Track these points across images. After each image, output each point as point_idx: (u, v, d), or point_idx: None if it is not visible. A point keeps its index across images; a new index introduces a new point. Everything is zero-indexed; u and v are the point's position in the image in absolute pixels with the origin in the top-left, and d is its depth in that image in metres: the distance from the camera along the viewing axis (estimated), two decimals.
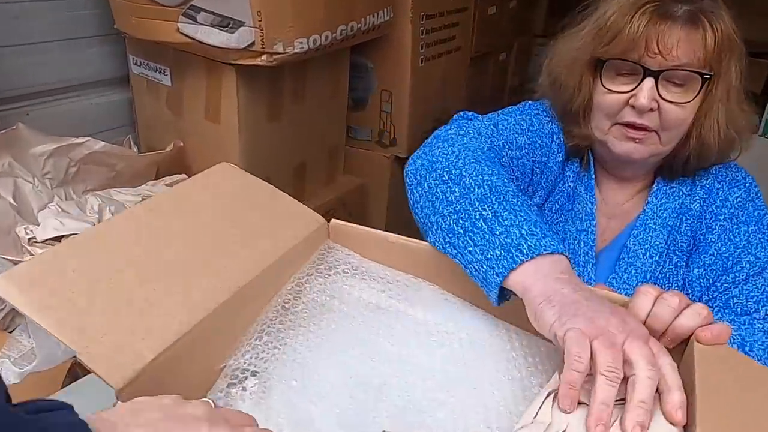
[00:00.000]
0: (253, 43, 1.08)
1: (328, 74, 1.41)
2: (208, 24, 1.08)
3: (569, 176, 0.82)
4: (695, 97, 0.70)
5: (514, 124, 0.78)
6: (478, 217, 0.57)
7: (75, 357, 0.45)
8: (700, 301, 0.53)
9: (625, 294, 0.74)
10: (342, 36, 1.22)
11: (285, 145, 1.36)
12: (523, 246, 0.52)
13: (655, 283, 0.75)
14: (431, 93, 1.67)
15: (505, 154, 0.73)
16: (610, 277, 0.78)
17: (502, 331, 0.61)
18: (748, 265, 0.71)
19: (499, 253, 0.53)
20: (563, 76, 0.79)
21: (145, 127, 1.40)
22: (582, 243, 0.79)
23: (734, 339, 0.63)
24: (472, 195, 0.59)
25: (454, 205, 0.59)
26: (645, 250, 0.77)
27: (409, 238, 0.64)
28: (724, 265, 0.72)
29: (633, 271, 0.77)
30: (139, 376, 0.43)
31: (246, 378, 0.52)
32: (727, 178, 0.78)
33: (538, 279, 0.50)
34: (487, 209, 0.57)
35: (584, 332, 0.44)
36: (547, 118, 0.82)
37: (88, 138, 1.15)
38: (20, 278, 0.47)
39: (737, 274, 0.71)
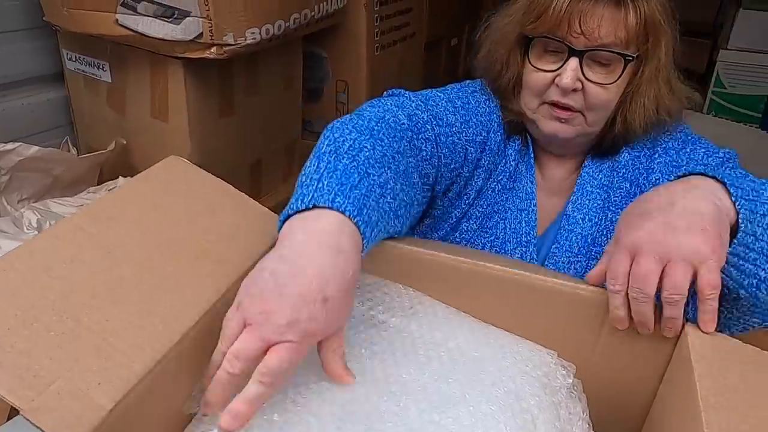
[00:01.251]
0: (201, 35, 1.00)
1: (281, 65, 1.34)
2: (150, 15, 1.00)
3: (511, 155, 0.80)
4: (618, 78, 0.70)
5: (446, 101, 0.76)
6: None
7: None
8: None
9: (567, 258, 0.77)
10: (295, 24, 1.16)
11: (239, 142, 1.28)
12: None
13: (594, 244, 0.77)
14: (388, 82, 1.63)
15: (429, 128, 0.70)
16: (554, 246, 0.78)
17: (491, 338, 0.58)
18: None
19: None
20: (493, 51, 0.78)
21: (84, 127, 1.30)
22: (523, 223, 0.79)
23: None
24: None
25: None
26: (583, 214, 0.77)
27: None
28: None
29: (573, 238, 0.77)
30: (96, 430, 0.37)
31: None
32: (677, 137, 0.79)
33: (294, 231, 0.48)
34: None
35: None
36: (484, 97, 0.80)
37: (19, 143, 1.05)
38: None
39: None
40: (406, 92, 0.76)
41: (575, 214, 0.78)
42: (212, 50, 1.02)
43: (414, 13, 1.71)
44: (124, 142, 1.22)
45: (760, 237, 0.53)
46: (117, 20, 1.02)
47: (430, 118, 0.71)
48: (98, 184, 1.24)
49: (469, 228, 0.81)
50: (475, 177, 0.79)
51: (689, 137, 0.79)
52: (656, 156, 0.77)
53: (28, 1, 1.18)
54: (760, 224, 0.53)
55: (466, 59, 2.62)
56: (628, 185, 0.77)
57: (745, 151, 1.19)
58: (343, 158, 0.54)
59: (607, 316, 0.54)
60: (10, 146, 1.04)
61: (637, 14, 0.68)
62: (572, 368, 0.57)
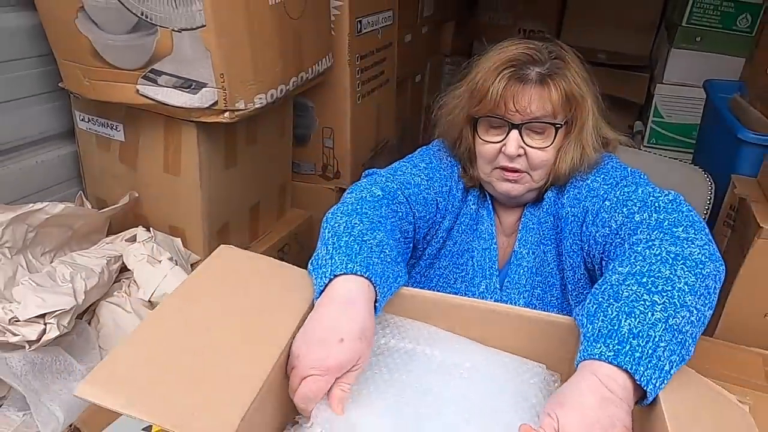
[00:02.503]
0: (216, 102, 1.13)
1: (276, 117, 1.48)
2: (169, 86, 1.12)
3: (471, 200, 0.97)
4: (552, 142, 0.88)
5: (411, 167, 0.93)
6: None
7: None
8: (602, 261, 0.78)
9: (518, 287, 0.92)
10: (294, 86, 1.30)
11: (241, 189, 1.41)
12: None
13: (537, 273, 0.93)
14: (368, 125, 1.79)
15: (400, 193, 0.87)
16: (507, 279, 0.94)
17: (496, 358, 0.74)
18: (622, 218, 0.80)
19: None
20: (448, 127, 0.96)
21: (94, 181, 1.40)
22: (487, 259, 0.95)
23: (637, 258, 0.69)
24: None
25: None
26: (527, 249, 0.94)
27: None
28: (604, 231, 0.82)
29: (521, 270, 0.94)
30: None
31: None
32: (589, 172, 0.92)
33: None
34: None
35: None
36: (446, 154, 0.99)
37: (47, 203, 1.15)
38: (103, 380, 0.54)
39: (619, 227, 0.79)
40: (378, 170, 0.93)
41: (522, 250, 0.95)
42: (225, 115, 1.15)
43: (387, 61, 1.88)
44: (137, 195, 1.32)
45: (639, 345, 0.59)
46: (138, 90, 1.14)
47: (399, 185, 0.88)
48: (107, 234, 1.34)
49: (443, 265, 0.98)
50: (444, 220, 0.96)
51: (599, 168, 0.91)
52: (566, 191, 0.92)
53: (44, 69, 1.28)
54: (628, 344, 0.59)
55: (429, 94, 2.81)
56: (552, 219, 0.93)
57: (680, 181, 1.40)
58: (342, 237, 0.71)
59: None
60: (39, 205, 1.13)
61: (558, 90, 0.86)
62: (558, 375, 0.73)
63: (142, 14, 1.07)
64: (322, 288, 0.66)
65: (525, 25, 3.09)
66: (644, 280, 0.64)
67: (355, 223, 0.73)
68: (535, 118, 0.86)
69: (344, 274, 0.65)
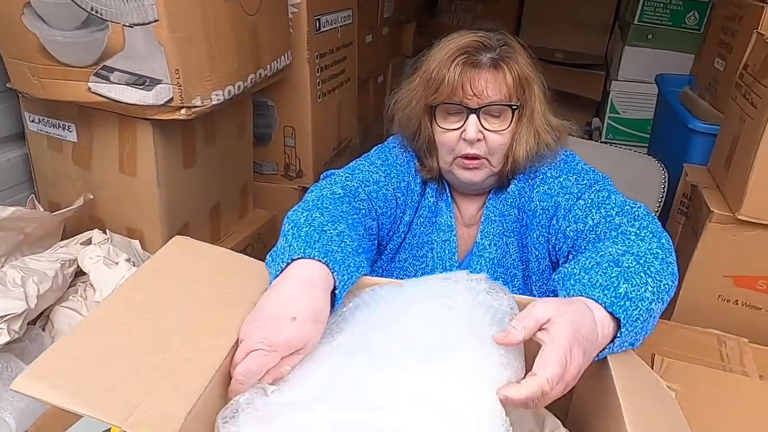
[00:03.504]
0: (171, 99, 1.11)
1: (234, 116, 1.46)
2: (122, 83, 1.10)
3: (430, 193, 0.98)
4: (510, 124, 0.89)
5: (368, 165, 0.93)
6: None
7: None
8: (569, 254, 0.81)
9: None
10: (252, 83, 1.29)
11: (201, 189, 1.39)
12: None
13: (499, 265, 0.94)
14: (330, 124, 1.78)
15: (361, 190, 0.87)
16: (469, 269, 0.92)
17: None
18: (582, 214, 0.85)
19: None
20: (405, 121, 0.96)
21: (46, 184, 1.35)
22: (447, 251, 0.96)
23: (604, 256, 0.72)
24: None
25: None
26: (489, 241, 0.95)
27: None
28: (578, 226, 0.85)
29: (483, 261, 0.95)
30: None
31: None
32: (556, 166, 0.95)
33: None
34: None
35: None
36: (402, 150, 0.98)
37: None
38: (43, 374, 0.51)
39: (584, 221, 0.84)
40: (335, 171, 0.93)
41: (483, 241, 0.95)
42: (182, 112, 1.13)
43: (348, 60, 1.88)
44: (92, 197, 1.29)
45: (630, 304, 0.65)
46: (89, 88, 1.11)
47: (359, 183, 0.88)
48: (62, 238, 1.30)
49: (403, 258, 0.98)
50: (404, 215, 0.96)
51: (567, 165, 0.95)
52: (536, 185, 0.93)
53: None
54: (626, 298, 0.65)
55: (392, 93, 2.82)
56: (516, 212, 0.95)
57: (636, 174, 1.44)
58: (302, 228, 0.71)
59: None
60: None
61: (511, 74, 0.87)
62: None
63: (91, 9, 1.04)
64: (278, 272, 0.65)
65: (484, 26, 3.13)
66: (641, 261, 0.70)
67: (316, 216, 0.73)
68: (491, 101, 0.87)
69: (302, 258, 0.65)
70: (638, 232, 0.76)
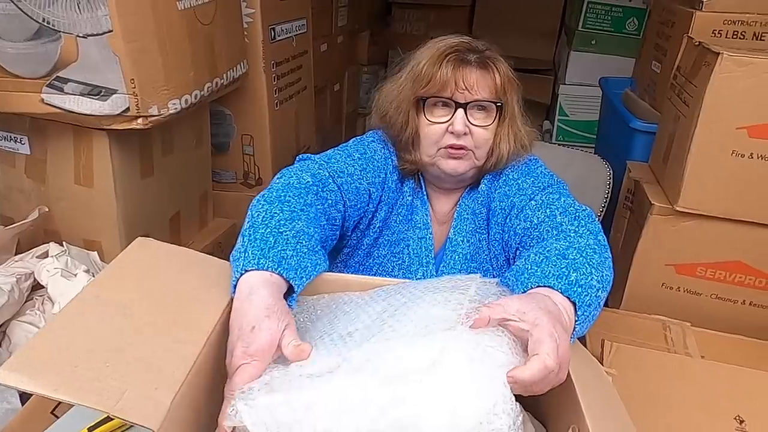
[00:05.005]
0: (127, 109, 1.11)
1: (192, 125, 1.47)
2: (77, 94, 1.09)
3: (407, 191, 1.01)
4: (494, 121, 0.95)
5: (345, 157, 0.95)
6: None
7: None
8: (517, 250, 0.85)
9: (453, 273, 0.94)
10: (208, 92, 1.30)
11: (160, 198, 1.38)
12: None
13: (472, 260, 0.98)
14: (288, 132, 1.80)
15: (332, 181, 0.88)
16: (442, 264, 1.00)
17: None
18: (534, 216, 0.90)
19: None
20: (392, 114, 0.99)
21: None
22: (423, 248, 1.00)
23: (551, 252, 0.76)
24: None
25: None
26: (462, 237, 0.99)
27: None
28: (525, 224, 0.91)
29: (456, 257, 0.99)
30: (166, 417, 0.51)
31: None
32: (518, 169, 1.01)
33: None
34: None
35: None
36: (380, 145, 1.01)
37: None
38: (24, 365, 0.52)
39: (532, 222, 0.90)
40: (312, 156, 0.95)
41: (456, 237, 1.00)
42: (138, 121, 1.14)
43: (304, 68, 1.90)
44: (47, 210, 1.27)
45: (581, 290, 0.69)
46: (42, 99, 1.10)
47: (331, 174, 0.89)
48: (16, 253, 1.27)
49: (381, 254, 1.01)
50: (379, 211, 0.99)
51: (527, 168, 1.01)
52: (498, 185, 0.99)
53: None
54: (577, 284, 0.69)
55: (348, 102, 2.86)
56: (485, 210, 1.00)
57: (583, 172, 1.51)
58: (259, 229, 0.71)
59: None
60: None
61: (499, 74, 0.94)
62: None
63: (43, 20, 1.04)
64: (235, 283, 0.67)
65: (437, 34, 3.20)
66: (583, 254, 0.74)
67: (275, 213, 0.74)
68: (480, 98, 0.93)
69: (255, 269, 0.66)
70: (576, 229, 0.82)
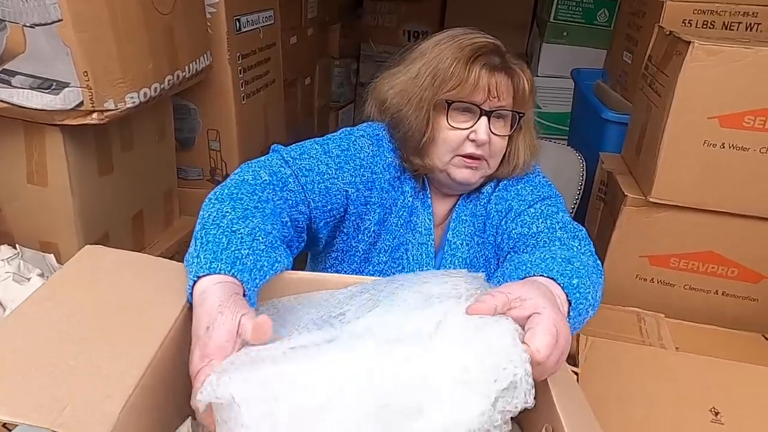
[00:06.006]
0: (81, 103, 1.06)
1: (153, 120, 1.41)
2: (26, 87, 1.03)
3: (408, 191, 0.94)
4: (512, 130, 0.91)
5: (321, 153, 0.87)
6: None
7: None
8: (508, 254, 0.83)
9: None
10: (169, 85, 1.24)
11: (120, 197, 1.33)
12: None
13: (470, 263, 0.95)
14: (256, 126, 1.75)
15: (293, 180, 0.81)
16: (441, 267, 0.95)
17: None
18: (535, 227, 0.88)
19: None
20: (409, 114, 0.89)
21: None
22: (424, 254, 0.94)
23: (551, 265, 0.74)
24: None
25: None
26: (461, 240, 0.95)
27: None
28: (522, 230, 0.89)
29: (455, 261, 0.95)
30: (115, 427, 0.47)
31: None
32: (530, 182, 0.97)
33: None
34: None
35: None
36: (368, 141, 0.92)
37: None
38: None
39: (530, 230, 0.88)
40: (282, 148, 0.87)
41: (455, 239, 0.95)
42: (93, 116, 1.08)
43: (272, 61, 1.85)
44: None
45: (579, 296, 0.69)
46: None
47: (294, 171, 0.82)
48: None
49: (380, 260, 0.95)
50: (370, 213, 0.92)
51: (527, 175, 0.97)
52: (497, 189, 0.96)
53: None
54: (577, 290, 0.69)
55: (320, 96, 2.82)
56: (484, 212, 0.96)
57: (556, 164, 1.50)
58: (210, 230, 0.66)
59: None
60: None
61: (522, 81, 0.89)
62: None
63: None
64: (190, 291, 0.63)
65: (409, 27, 3.18)
66: (585, 270, 0.73)
67: (227, 212, 0.69)
68: (505, 106, 0.88)
69: (208, 274, 0.62)
70: (579, 247, 0.80)
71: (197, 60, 1.36)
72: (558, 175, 1.45)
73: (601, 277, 0.78)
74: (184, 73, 1.30)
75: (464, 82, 0.86)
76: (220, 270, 0.62)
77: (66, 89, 1.04)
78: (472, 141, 0.88)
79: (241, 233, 0.66)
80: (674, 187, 1.21)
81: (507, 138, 0.91)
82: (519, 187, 0.95)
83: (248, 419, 0.48)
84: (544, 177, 1.00)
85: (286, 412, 0.48)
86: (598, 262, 0.80)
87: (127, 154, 1.33)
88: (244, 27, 1.61)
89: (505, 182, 0.97)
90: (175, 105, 1.54)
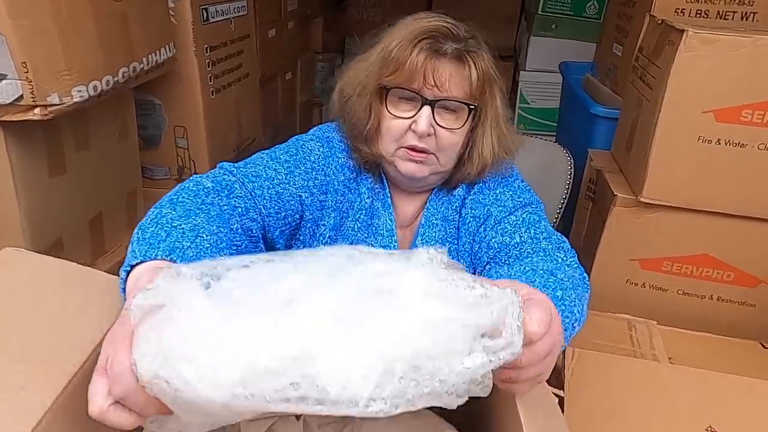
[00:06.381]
0: (21, 97, 0.96)
1: (113, 117, 1.32)
2: None
3: (365, 192, 0.88)
4: (464, 124, 0.82)
5: (268, 160, 0.82)
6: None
7: None
8: (488, 265, 0.75)
9: None
10: (125, 78, 1.15)
11: (75, 199, 1.23)
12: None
13: None
14: (227, 123, 1.66)
15: (239, 187, 0.74)
16: None
17: None
18: (516, 236, 0.81)
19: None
20: (353, 100, 0.85)
21: None
22: None
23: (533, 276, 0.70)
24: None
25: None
26: (431, 245, 0.88)
27: None
28: (504, 239, 0.82)
29: None
30: None
31: None
32: (496, 177, 0.90)
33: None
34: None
35: None
36: (319, 144, 0.87)
37: None
38: None
39: (511, 240, 0.81)
40: (228, 163, 0.79)
41: (423, 245, 0.86)
42: (36, 111, 0.99)
43: (246, 53, 1.76)
44: None
45: (564, 308, 0.64)
46: None
47: (240, 178, 0.75)
48: None
49: None
50: (326, 217, 0.86)
51: (505, 179, 0.90)
52: (474, 192, 0.88)
53: None
54: (562, 302, 0.64)
55: (302, 91, 2.73)
56: (457, 216, 0.89)
57: (543, 161, 1.42)
58: (149, 227, 0.59)
59: None
60: None
61: (477, 70, 0.80)
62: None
63: None
64: (123, 285, 0.54)
65: (394, 21, 3.09)
66: (570, 282, 0.67)
67: (166, 213, 0.61)
68: (451, 97, 0.80)
69: (142, 262, 0.53)
70: (565, 258, 0.74)
71: (158, 51, 1.27)
72: (545, 172, 1.38)
73: (587, 291, 0.71)
74: (142, 66, 1.21)
75: (402, 67, 0.79)
76: (156, 256, 0.53)
77: (3, 82, 0.95)
78: (415, 132, 0.80)
79: (182, 228, 0.58)
80: (667, 186, 1.13)
81: (461, 133, 0.83)
82: (498, 192, 0.87)
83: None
84: (522, 181, 0.93)
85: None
86: (585, 275, 0.73)
87: (82, 153, 1.23)
88: (213, 17, 1.52)
89: (480, 185, 0.89)
90: (139, 100, 1.44)
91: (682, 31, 1.03)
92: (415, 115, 0.80)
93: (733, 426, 0.87)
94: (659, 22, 1.18)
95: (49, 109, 1.00)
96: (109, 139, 1.32)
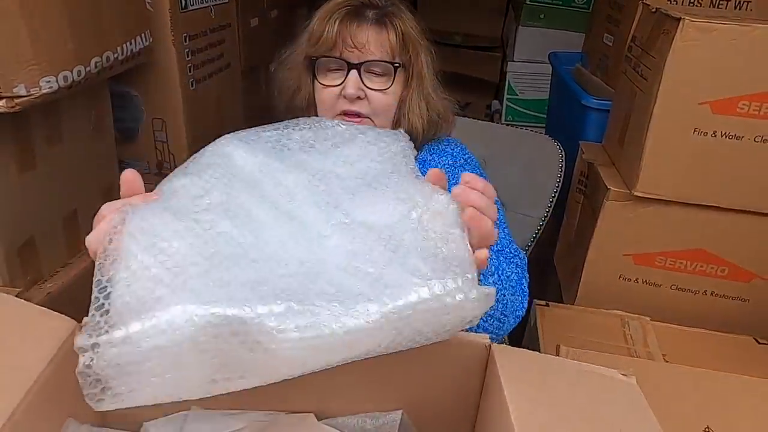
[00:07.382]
0: None
1: (86, 109, 1.26)
2: None
3: None
4: (392, 84, 0.86)
5: None
6: None
7: None
8: None
9: None
10: (98, 68, 1.09)
11: (47, 196, 1.17)
12: None
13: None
14: (207, 114, 1.60)
15: None
16: None
17: None
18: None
19: None
20: (287, 77, 0.94)
21: None
22: None
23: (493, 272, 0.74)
24: None
25: None
26: None
27: None
28: None
29: None
30: None
31: None
32: (437, 150, 0.95)
33: None
34: None
35: None
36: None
37: None
38: None
39: None
40: None
41: None
42: (1, 103, 0.93)
43: (227, 44, 1.70)
44: None
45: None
46: None
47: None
48: None
49: None
50: None
51: (445, 145, 0.95)
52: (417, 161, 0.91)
53: None
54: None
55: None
56: None
57: (533, 154, 1.39)
58: None
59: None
60: None
61: (395, 31, 0.86)
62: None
63: None
64: None
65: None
66: (505, 282, 0.74)
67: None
68: (373, 58, 0.86)
69: None
70: (512, 258, 0.80)
71: (133, 40, 1.21)
72: (535, 165, 1.34)
73: (524, 298, 0.77)
74: (116, 55, 1.15)
75: (323, 35, 0.85)
76: None
77: None
78: (345, 97, 0.85)
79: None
80: (661, 180, 1.10)
81: (393, 93, 0.88)
82: (436, 159, 0.91)
83: None
84: (461, 147, 0.98)
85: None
86: (525, 275, 0.79)
87: (54, 147, 1.17)
88: (192, 5, 1.46)
89: (422, 152, 0.93)
90: (115, 92, 1.38)
91: (679, 19, 1.00)
92: (343, 81, 0.85)
93: (732, 425, 0.85)
94: (653, 10, 1.14)
95: (16, 101, 0.94)
96: (84, 133, 1.26)
